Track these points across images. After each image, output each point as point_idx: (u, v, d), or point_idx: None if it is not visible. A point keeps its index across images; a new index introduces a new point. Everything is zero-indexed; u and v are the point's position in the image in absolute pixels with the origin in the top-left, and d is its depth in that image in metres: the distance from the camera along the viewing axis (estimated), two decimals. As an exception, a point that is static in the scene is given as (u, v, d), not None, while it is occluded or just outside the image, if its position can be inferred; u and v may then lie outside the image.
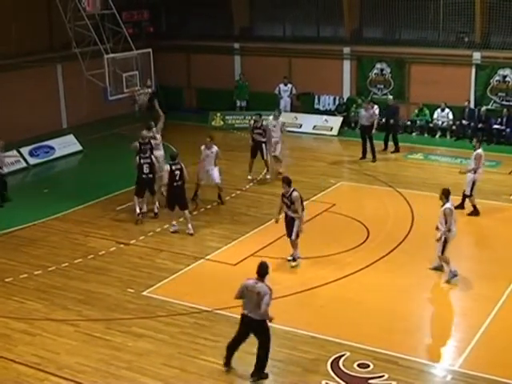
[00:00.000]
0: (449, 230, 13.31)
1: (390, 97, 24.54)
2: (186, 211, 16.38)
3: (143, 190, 17.18)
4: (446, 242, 13.36)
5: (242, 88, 29.04)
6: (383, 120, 23.82)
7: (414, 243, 15.49)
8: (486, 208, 17.56)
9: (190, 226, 16.27)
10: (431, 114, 25.88)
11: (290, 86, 28.19)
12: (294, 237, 14.31)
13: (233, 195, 18.72)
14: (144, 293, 13.42)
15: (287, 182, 14.19)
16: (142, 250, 15.55)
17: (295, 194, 14.03)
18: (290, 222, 14.34)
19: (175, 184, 16.10)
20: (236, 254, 14.95)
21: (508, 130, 24.52)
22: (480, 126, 24.92)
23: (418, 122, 26.05)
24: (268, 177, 20.28)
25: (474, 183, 17.08)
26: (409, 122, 26.20)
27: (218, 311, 12.36)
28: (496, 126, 24.62)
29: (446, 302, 13.10)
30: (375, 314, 12.29)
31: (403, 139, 24.47)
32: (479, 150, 17.22)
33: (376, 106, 23.81)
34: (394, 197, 18.66)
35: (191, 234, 16.19)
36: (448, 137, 25.46)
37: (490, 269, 14.12)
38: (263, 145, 20.19)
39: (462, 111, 25.36)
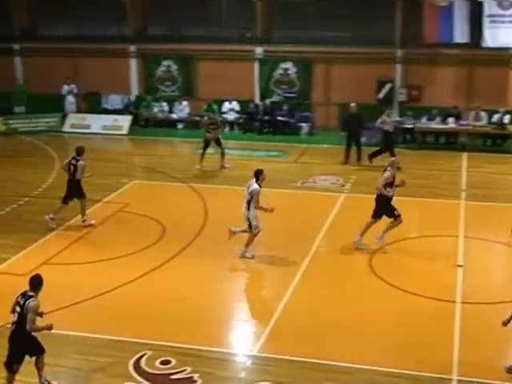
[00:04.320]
0: None
1: (353, 104, 22.34)
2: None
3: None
4: None
5: (20, 93, 27.84)
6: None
7: (209, 237, 15.67)
8: (276, 195, 18.24)
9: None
10: (219, 109, 26.49)
11: (73, 86, 27.55)
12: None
13: (20, 203, 17.86)
14: None
15: (33, 285, 9.51)
16: None
17: (31, 302, 9.32)
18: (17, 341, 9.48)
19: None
20: (27, 263, 14.23)
21: (292, 120, 25.68)
22: (266, 118, 25.90)
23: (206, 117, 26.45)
24: None
25: None
26: (198, 118, 26.58)
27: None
28: (280, 118, 25.68)
29: (241, 291, 13.36)
30: (174, 310, 12.27)
31: (194, 135, 24.77)
32: None
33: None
34: (188, 192, 18.82)
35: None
36: (236, 130, 26.19)
37: (279, 254, 14.64)
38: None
39: (248, 105, 26.26)
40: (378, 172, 20.33)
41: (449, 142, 24.36)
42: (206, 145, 21.23)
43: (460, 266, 13.90)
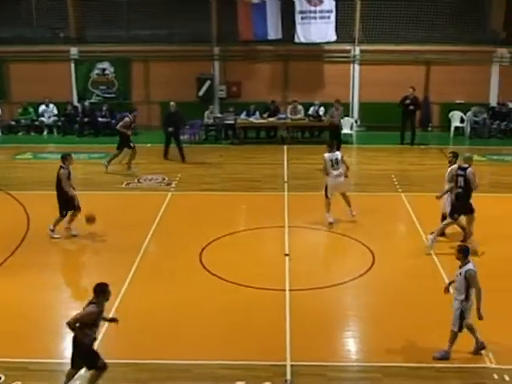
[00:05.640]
0: (466, 299, 10.30)
1: (173, 103, 22.01)
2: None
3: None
4: (463, 315, 10.31)
5: None
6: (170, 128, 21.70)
7: (33, 246, 15.01)
8: (101, 198, 17.93)
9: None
10: (36, 112, 25.59)
11: None
12: None
13: None
14: None
15: (96, 292, 9.57)
16: None
17: (88, 308, 9.51)
18: None
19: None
20: None
21: (113, 121, 25.26)
22: (86, 119, 25.29)
23: (23, 121, 25.48)
24: None
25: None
26: (13, 122, 25.51)
27: None
28: (100, 119, 25.19)
29: (70, 298, 12.94)
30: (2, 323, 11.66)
31: (9, 140, 23.67)
32: (455, 166, 14.77)
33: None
34: (7, 200, 17.93)
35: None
36: (55, 133, 25.40)
37: (109, 258, 14.36)
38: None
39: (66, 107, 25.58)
40: (201, 168, 20.68)
41: (269, 136, 25.06)
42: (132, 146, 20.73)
43: (287, 255, 14.32)
